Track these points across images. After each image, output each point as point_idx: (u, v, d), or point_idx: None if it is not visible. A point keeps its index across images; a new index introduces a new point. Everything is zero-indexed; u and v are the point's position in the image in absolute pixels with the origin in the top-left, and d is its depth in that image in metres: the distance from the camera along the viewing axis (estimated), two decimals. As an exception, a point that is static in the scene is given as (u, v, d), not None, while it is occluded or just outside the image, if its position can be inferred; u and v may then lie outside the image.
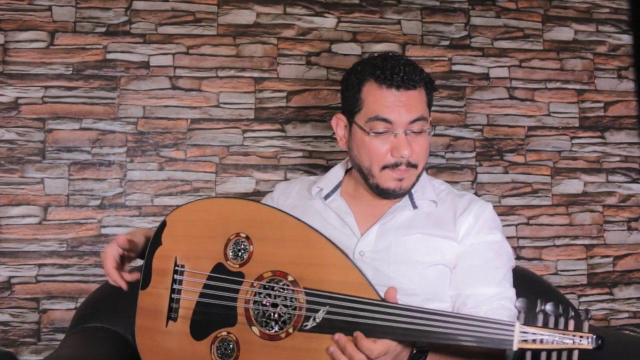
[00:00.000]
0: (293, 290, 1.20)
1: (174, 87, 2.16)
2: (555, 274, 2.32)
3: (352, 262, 1.19)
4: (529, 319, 1.03)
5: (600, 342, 0.98)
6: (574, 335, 0.99)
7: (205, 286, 1.29)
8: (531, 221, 2.33)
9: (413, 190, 1.46)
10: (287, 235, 1.26)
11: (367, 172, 1.41)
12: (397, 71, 1.35)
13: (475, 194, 2.27)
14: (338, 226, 1.45)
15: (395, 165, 1.38)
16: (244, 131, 2.19)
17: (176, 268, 1.33)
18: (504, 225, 2.28)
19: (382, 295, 1.15)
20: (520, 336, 1.01)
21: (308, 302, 1.18)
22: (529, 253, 2.32)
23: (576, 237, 2.35)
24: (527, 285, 1.81)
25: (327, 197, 1.51)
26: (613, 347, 1.42)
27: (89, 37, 2.12)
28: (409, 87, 1.37)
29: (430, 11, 2.33)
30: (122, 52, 2.14)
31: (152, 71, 2.15)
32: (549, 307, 1.02)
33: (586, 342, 0.99)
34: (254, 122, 2.20)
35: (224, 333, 1.24)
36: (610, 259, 2.37)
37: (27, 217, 2.06)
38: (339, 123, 1.48)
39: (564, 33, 2.41)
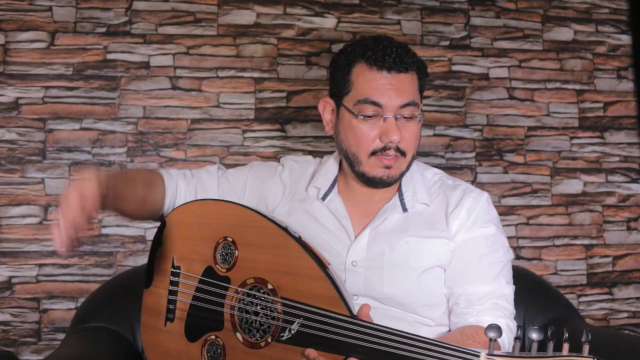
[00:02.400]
0: (272, 299, 1.18)
1: (174, 87, 2.16)
2: (555, 273, 2.33)
3: (325, 274, 1.15)
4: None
5: None
6: None
7: (197, 289, 1.29)
8: (531, 221, 2.33)
9: (404, 189, 1.40)
10: (268, 242, 1.23)
11: (354, 158, 1.34)
12: (388, 52, 1.29)
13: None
14: (333, 229, 1.38)
15: (384, 150, 1.31)
16: (244, 131, 2.19)
17: (173, 270, 1.33)
18: (504, 226, 2.30)
19: (355, 311, 1.12)
20: None
21: (284, 312, 1.16)
22: (529, 253, 2.32)
23: (576, 237, 2.36)
24: (527, 286, 1.81)
25: (325, 196, 1.43)
26: (613, 347, 1.43)
27: (90, 37, 2.12)
28: (400, 69, 1.29)
29: (430, 11, 2.33)
30: (122, 52, 2.14)
31: (153, 71, 2.15)
32: (534, 333, 0.93)
33: None
34: (254, 122, 2.20)
35: (213, 337, 1.25)
36: (610, 259, 2.37)
37: (28, 217, 2.06)
38: (326, 107, 1.41)
39: (564, 33, 2.41)
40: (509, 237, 2.28)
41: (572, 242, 2.35)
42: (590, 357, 0.90)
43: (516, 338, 0.95)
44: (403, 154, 1.32)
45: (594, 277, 2.36)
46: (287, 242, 1.20)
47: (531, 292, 1.78)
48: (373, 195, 1.40)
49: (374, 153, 1.31)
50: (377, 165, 1.32)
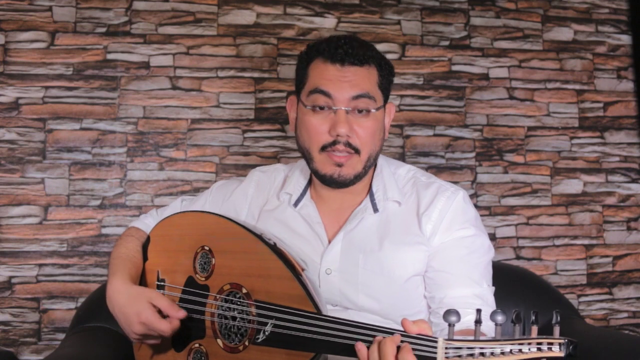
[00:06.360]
0: (247, 303, 1.19)
1: (174, 87, 2.16)
2: (555, 273, 2.33)
3: (293, 274, 1.14)
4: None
5: (572, 347, 0.85)
6: (538, 343, 0.86)
7: (181, 300, 1.30)
8: (531, 221, 2.33)
9: (374, 189, 1.35)
10: (240, 247, 1.24)
11: (307, 154, 1.31)
12: (341, 45, 1.27)
13: (475, 194, 2.28)
14: (306, 235, 1.35)
15: (334, 144, 1.26)
16: (244, 131, 2.19)
17: (158, 283, 1.35)
18: (503, 226, 2.31)
19: (324, 309, 1.12)
20: (449, 352, 0.91)
21: (258, 314, 1.16)
22: (529, 253, 2.32)
23: (576, 237, 2.36)
24: (527, 286, 1.81)
25: (297, 202, 1.39)
26: (613, 347, 1.43)
27: (90, 37, 2.12)
28: (354, 62, 1.26)
29: (430, 11, 2.33)
30: (122, 52, 2.14)
31: (153, 71, 2.15)
32: (498, 316, 0.89)
33: (557, 349, 0.85)
34: (254, 122, 2.20)
35: (197, 345, 1.26)
36: (610, 259, 2.37)
37: (28, 217, 2.06)
38: (292, 105, 1.39)
39: (564, 33, 2.41)
40: (509, 237, 2.31)
41: (572, 242, 2.35)
42: (561, 339, 0.86)
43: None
44: (356, 151, 1.27)
45: (594, 277, 2.36)
46: (258, 246, 1.21)
47: (531, 292, 1.78)
48: (344, 199, 1.36)
49: (324, 148, 1.27)
50: (327, 162, 1.28)
